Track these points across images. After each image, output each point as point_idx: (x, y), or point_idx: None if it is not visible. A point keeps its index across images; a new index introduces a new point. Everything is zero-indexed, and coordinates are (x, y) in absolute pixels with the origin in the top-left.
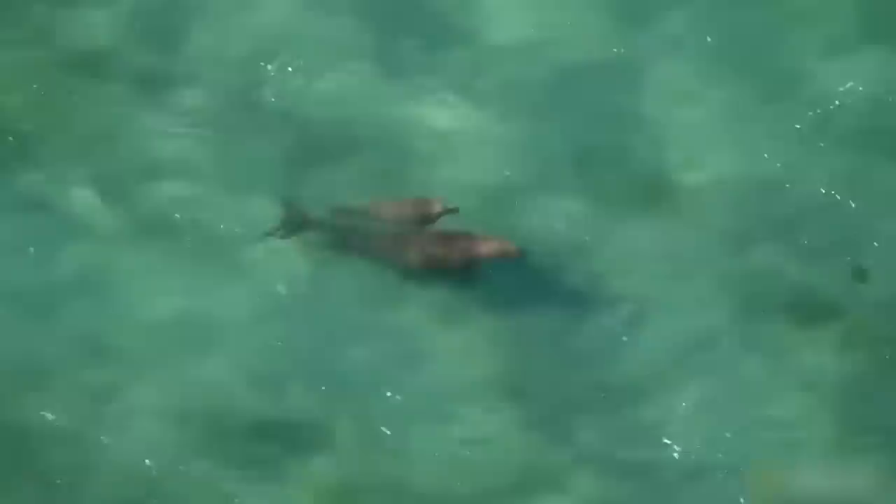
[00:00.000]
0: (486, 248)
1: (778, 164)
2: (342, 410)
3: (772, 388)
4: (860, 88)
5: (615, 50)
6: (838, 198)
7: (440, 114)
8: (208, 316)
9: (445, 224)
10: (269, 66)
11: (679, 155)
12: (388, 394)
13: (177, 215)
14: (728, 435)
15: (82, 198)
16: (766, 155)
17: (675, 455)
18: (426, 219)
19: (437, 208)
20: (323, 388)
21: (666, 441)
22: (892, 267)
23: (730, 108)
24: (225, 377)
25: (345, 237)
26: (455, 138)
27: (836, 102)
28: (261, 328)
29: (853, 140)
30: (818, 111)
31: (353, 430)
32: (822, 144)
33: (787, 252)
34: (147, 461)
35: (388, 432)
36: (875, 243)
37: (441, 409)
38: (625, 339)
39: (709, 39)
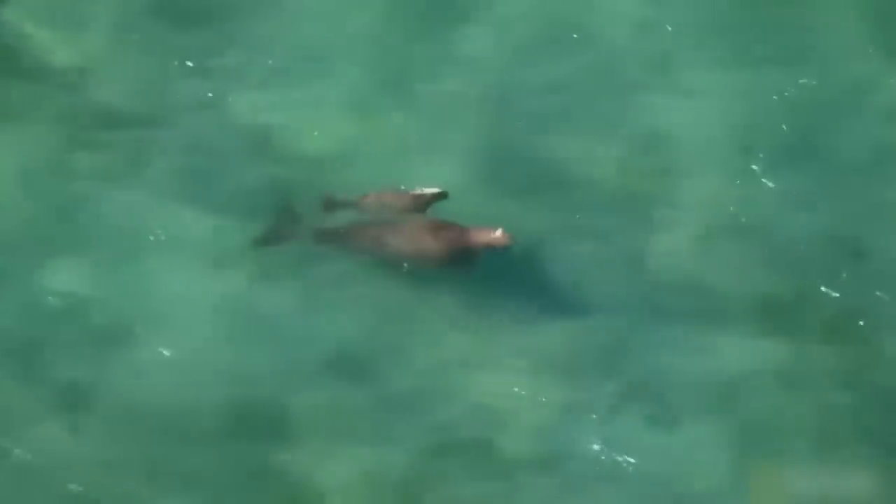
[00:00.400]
0: (478, 237)
1: (746, 158)
2: (304, 410)
3: (723, 391)
4: (836, 80)
5: (574, 36)
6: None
7: (394, 115)
8: (141, 316)
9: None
10: (189, 62)
11: (642, 147)
12: (352, 387)
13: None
14: (664, 433)
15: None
16: (729, 143)
17: (599, 454)
18: (418, 205)
19: (428, 193)
20: (279, 388)
21: (593, 443)
22: (866, 266)
23: (698, 98)
24: (164, 378)
25: (336, 237)
26: (404, 138)
27: (799, 91)
28: (205, 326)
29: (823, 131)
30: (788, 96)
31: (317, 427)
32: (791, 133)
33: (751, 251)
34: (71, 483)
35: (355, 426)
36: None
37: (407, 398)
38: (566, 334)
39: (669, 28)
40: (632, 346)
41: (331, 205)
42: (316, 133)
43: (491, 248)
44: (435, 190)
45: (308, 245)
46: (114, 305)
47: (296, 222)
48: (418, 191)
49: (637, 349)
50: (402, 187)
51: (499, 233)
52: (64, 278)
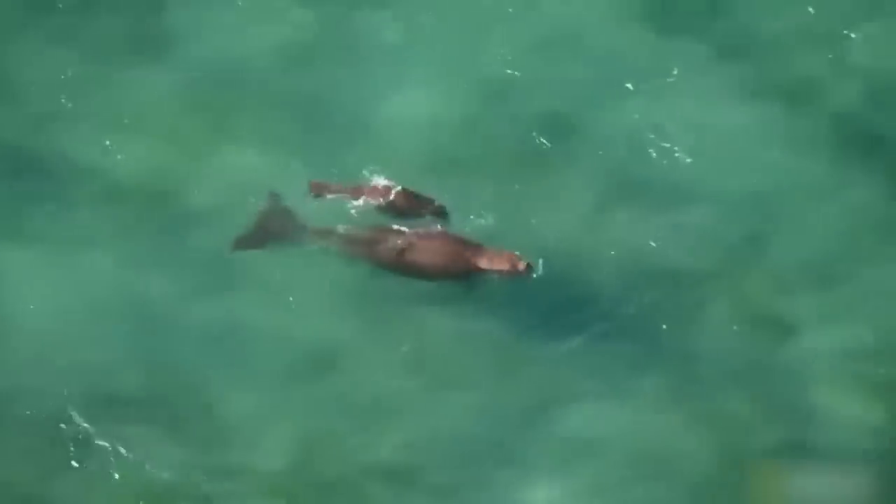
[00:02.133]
0: (490, 261)
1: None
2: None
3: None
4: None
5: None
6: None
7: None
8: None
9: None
10: None
11: (547, 115)
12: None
13: None
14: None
15: None
16: (637, 115)
17: None
18: (412, 208)
19: (428, 202)
20: (156, 376)
21: None
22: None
23: (598, 65)
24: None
25: (332, 239)
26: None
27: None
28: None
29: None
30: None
31: (192, 415)
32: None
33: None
34: None
35: (232, 418)
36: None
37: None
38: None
39: None
40: None
41: (320, 192)
42: None
43: (507, 276)
44: (437, 203)
45: (301, 244)
46: None
47: (286, 220)
48: (417, 196)
49: None
50: (399, 187)
51: (521, 264)
52: None
